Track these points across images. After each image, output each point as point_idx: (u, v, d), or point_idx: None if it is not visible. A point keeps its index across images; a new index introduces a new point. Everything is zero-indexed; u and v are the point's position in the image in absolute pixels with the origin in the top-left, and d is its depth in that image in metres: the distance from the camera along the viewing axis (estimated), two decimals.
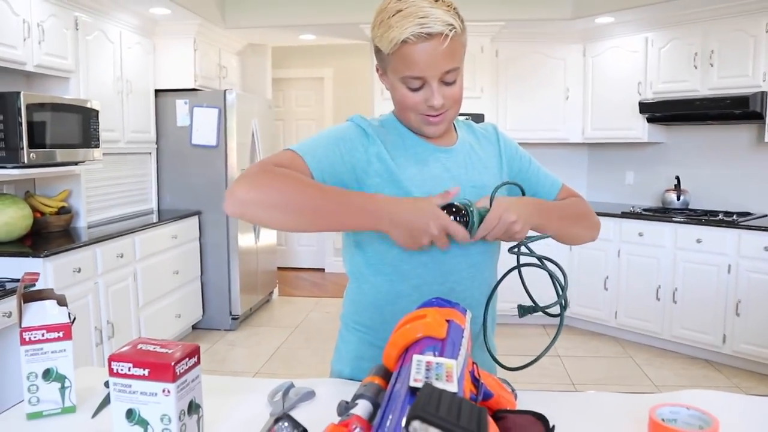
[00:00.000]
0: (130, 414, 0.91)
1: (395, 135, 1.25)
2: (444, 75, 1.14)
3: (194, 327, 4.86)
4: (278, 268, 6.09)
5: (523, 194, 1.25)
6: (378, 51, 1.19)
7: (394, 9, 1.12)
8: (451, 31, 1.10)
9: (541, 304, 1.27)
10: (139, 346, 0.94)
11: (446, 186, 1.20)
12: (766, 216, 4.27)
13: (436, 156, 1.25)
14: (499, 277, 1.33)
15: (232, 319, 4.90)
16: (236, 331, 4.89)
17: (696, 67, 4.34)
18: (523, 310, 1.27)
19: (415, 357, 0.75)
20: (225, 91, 4.71)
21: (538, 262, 1.22)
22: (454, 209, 1.10)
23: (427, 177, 1.22)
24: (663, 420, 0.98)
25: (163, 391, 0.89)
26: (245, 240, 4.98)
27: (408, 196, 1.17)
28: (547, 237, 1.24)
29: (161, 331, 4.17)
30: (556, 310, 1.25)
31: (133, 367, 0.89)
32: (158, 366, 0.89)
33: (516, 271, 1.27)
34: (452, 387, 0.68)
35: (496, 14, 4.77)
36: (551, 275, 1.22)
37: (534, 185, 1.36)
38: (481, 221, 1.11)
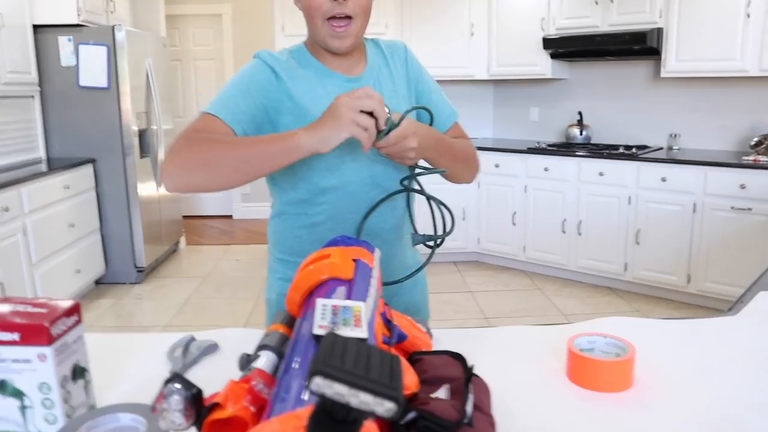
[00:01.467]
0: (2, 385, 0.80)
1: (305, 68, 1.25)
2: None
3: (97, 282, 4.61)
4: (184, 216, 5.85)
5: (431, 121, 1.24)
6: None
7: None
8: None
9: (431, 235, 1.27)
10: (6, 307, 0.82)
11: None
12: (662, 149, 4.46)
13: (345, 87, 1.24)
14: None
15: (138, 271, 4.68)
16: (143, 283, 4.68)
17: (597, 3, 4.39)
18: (416, 240, 1.30)
19: (320, 301, 0.68)
20: (113, 27, 4.34)
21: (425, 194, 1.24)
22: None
23: None
24: (581, 350, 0.98)
25: (39, 356, 0.78)
26: (146, 188, 4.72)
27: None
28: (444, 171, 1.26)
29: (60, 288, 3.92)
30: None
31: (1, 331, 0.78)
32: (30, 328, 0.78)
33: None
34: (361, 332, 0.62)
35: None
36: (435, 207, 1.25)
37: (433, 107, 1.33)
38: (393, 125, 1.08)
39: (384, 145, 1.09)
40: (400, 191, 1.27)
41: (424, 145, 1.16)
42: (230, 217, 6.91)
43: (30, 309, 0.81)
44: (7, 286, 3.34)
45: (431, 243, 1.24)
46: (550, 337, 1.12)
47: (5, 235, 3.37)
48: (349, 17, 1.18)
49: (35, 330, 0.78)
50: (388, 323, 0.85)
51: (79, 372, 0.85)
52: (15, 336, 0.78)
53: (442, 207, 1.22)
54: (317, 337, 0.60)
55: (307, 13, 1.20)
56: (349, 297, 0.73)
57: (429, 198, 1.23)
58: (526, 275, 4.70)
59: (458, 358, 0.87)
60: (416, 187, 1.26)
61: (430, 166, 1.26)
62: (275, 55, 1.25)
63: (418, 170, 1.23)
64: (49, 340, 0.78)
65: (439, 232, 1.24)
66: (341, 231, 1.26)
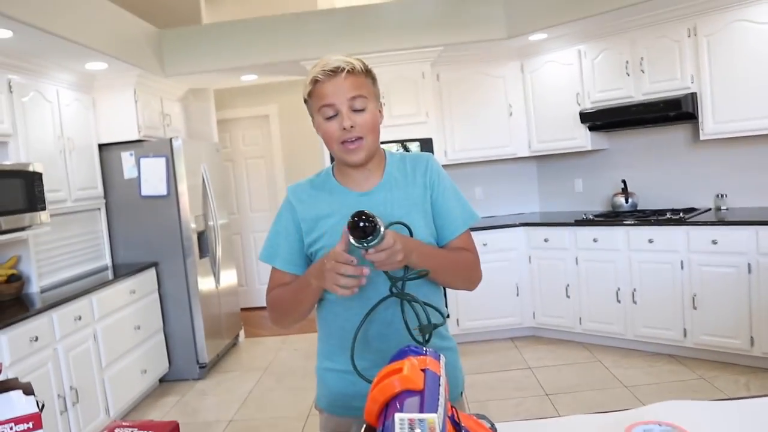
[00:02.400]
0: None
1: (324, 191, 1.50)
2: (351, 101, 1.38)
3: (161, 380, 4.74)
4: (242, 309, 6.00)
5: (411, 235, 1.36)
6: (306, 102, 1.46)
7: (312, 66, 1.41)
8: (347, 65, 1.37)
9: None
10: (116, 431, 0.92)
11: None
12: (709, 210, 4.44)
13: (358, 201, 1.44)
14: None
15: (200, 367, 4.81)
16: (205, 379, 4.79)
17: (628, 75, 4.51)
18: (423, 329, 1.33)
19: (397, 416, 0.76)
20: (171, 138, 4.67)
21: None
22: (363, 216, 1.16)
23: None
24: None
25: None
26: (205, 284, 4.91)
27: (334, 242, 1.33)
28: (426, 272, 1.34)
29: (128, 389, 4.06)
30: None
31: None
32: None
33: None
34: None
35: (434, 40, 4.88)
36: (421, 310, 1.32)
37: (438, 217, 1.49)
38: (381, 237, 1.18)
39: (373, 254, 1.21)
40: (385, 298, 1.35)
41: (405, 249, 1.26)
42: None
43: (136, 431, 0.92)
44: (79, 391, 3.49)
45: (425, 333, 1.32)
46: (611, 425, 1.15)
47: (78, 342, 3.56)
48: (359, 138, 1.40)
49: None
50: (456, 426, 0.92)
51: None
52: None
53: (427, 307, 1.31)
54: None
55: (325, 140, 1.44)
56: (421, 407, 0.80)
57: (411, 301, 1.33)
58: (584, 347, 4.63)
59: None
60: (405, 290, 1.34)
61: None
62: (298, 186, 1.53)
63: (402, 277, 1.31)
64: None
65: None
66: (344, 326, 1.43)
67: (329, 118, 1.39)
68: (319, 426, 1.55)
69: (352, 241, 1.18)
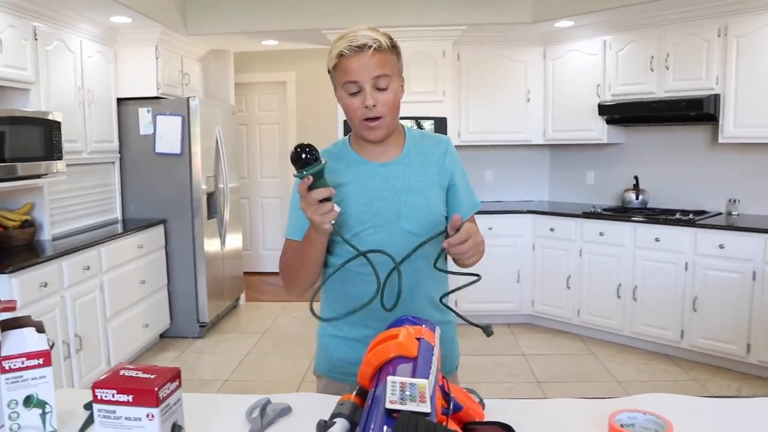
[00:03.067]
0: None
1: (341, 162, 1.50)
2: (375, 80, 1.38)
3: (162, 336, 4.83)
4: (244, 273, 6.07)
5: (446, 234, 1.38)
6: (330, 73, 1.47)
7: (338, 36, 1.41)
8: (374, 42, 1.37)
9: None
10: (121, 372, 0.96)
11: (383, 194, 1.46)
12: (720, 214, 4.43)
13: (376, 171, 1.49)
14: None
15: (200, 326, 4.89)
16: (204, 338, 4.88)
17: (652, 70, 4.48)
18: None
19: (389, 379, 0.80)
20: (188, 98, 4.69)
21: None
22: (306, 148, 1.24)
23: (366, 189, 1.47)
24: (622, 426, 1.05)
25: (148, 415, 0.92)
26: (211, 246, 4.97)
27: (351, 210, 1.43)
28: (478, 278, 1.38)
29: (129, 341, 4.14)
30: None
31: (117, 393, 0.92)
32: (142, 391, 0.92)
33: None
34: (425, 407, 0.73)
35: (458, 19, 4.85)
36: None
37: (453, 201, 1.55)
38: (319, 172, 1.25)
39: (455, 242, 1.27)
40: (420, 244, 1.39)
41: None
42: None
43: (141, 375, 0.96)
44: (83, 339, 3.57)
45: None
46: (598, 411, 1.19)
47: (86, 291, 3.63)
48: (380, 116, 1.42)
49: (146, 393, 0.92)
50: (446, 395, 0.96)
51: (177, 429, 0.99)
52: (129, 398, 0.92)
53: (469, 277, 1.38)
54: (389, 411, 0.72)
55: (347, 114, 1.46)
56: (413, 373, 0.84)
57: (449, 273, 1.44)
58: (580, 339, 4.67)
59: (508, 429, 0.96)
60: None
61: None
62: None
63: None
64: (157, 402, 0.92)
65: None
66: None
67: (352, 94, 1.41)
68: (316, 390, 1.60)
69: (295, 172, 1.25)
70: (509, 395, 3.67)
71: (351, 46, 1.37)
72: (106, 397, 0.92)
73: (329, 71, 1.47)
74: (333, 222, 1.29)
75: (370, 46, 1.36)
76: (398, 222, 1.45)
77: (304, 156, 1.23)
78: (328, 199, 1.26)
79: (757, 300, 3.78)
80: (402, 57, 1.48)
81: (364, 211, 1.45)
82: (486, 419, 1.06)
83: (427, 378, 0.83)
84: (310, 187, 1.25)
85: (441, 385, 0.96)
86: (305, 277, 1.47)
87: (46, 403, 1.09)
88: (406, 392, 0.76)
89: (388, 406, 0.72)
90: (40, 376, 1.09)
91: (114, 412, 0.92)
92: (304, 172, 1.23)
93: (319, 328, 1.61)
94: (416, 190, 1.47)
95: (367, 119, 1.42)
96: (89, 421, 1.13)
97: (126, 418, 0.92)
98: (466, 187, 1.58)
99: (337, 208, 1.28)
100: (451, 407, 0.97)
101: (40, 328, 1.11)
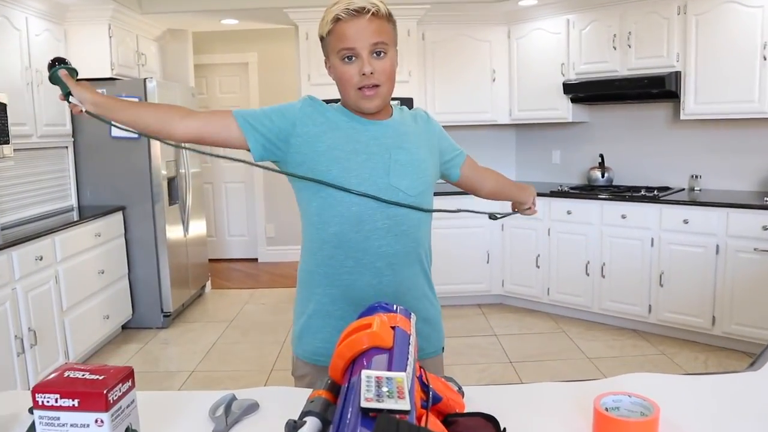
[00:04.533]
0: None
1: (336, 117, 1.41)
2: (372, 47, 1.31)
3: (124, 327, 4.68)
4: (209, 260, 5.93)
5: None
6: (322, 40, 1.38)
7: (333, 2, 1.33)
8: (373, 7, 1.30)
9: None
10: (66, 374, 0.87)
11: (371, 148, 1.38)
12: (683, 190, 4.47)
13: (366, 127, 1.41)
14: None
15: (164, 316, 4.75)
16: (169, 328, 4.74)
17: (615, 48, 4.46)
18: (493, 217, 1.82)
19: (364, 372, 0.73)
20: (145, 79, 4.51)
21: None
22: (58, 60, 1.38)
23: (352, 140, 1.38)
24: (607, 409, 1.00)
25: (96, 421, 0.83)
26: (174, 232, 4.82)
27: (336, 147, 1.37)
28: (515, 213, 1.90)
29: (89, 334, 3.99)
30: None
31: (61, 397, 0.83)
32: (89, 395, 0.83)
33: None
34: (405, 405, 0.66)
35: None
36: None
37: (446, 154, 1.59)
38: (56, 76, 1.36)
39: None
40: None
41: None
42: (255, 260, 6.98)
43: (88, 376, 0.87)
44: (38, 333, 3.41)
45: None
46: (578, 394, 1.14)
47: (39, 282, 3.47)
48: (377, 85, 1.35)
49: (94, 397, 0.83)
50: (424, 386, 0.89)
51: None
52: (74, 402, 0.83)
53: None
54: (365, 410, 0.65)
55: (340, 84, 1.38)
56: (390, 366, 0.77)
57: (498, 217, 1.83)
58: (551, 318, 4.68)
59: (491, 419, 0.90)
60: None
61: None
62: (315, 101, 1.44)
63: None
64: (107, 406, 0.83)
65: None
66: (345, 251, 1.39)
67: (347, 62, 1.33)
68: (294, 372, 1.52)
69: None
70: (482, 376, 3.65)
71: (348, 10, 1.29)
72: (48, 402, 0.83)
73: (321, 38, 1.38)
74: (82, 109, 1.34)
75: (368, 10, 1.29)
76: (387, 177, 1.37)
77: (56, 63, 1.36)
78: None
79: (721, 273, 3.82)
80: (397, 29, 1.42)
81: (347, 158, 1.36)
82: (467, 409, 1.00)
83: (405, 371, 0.76)
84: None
85: (419, 375, 0.89)
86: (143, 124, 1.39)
87: None
88: (383, 388, 0.69)
89: (364, 404, 0.65)
90: None
91: (58, 418, 0.83)
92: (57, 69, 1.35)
93: (304, 312, 1.47)
94: (408, 150, 1.43)
95: (363, 87, 1.34)
96: (33, 427, 1.03)
97: (72, 425, 0.84)
98: (449, 142, 1.62)
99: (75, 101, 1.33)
100: (430, 399, 0.90)
101: None
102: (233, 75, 6.78)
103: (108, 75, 4.50)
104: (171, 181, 4.79)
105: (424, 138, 1.50)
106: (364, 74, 1.31)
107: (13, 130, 3.60)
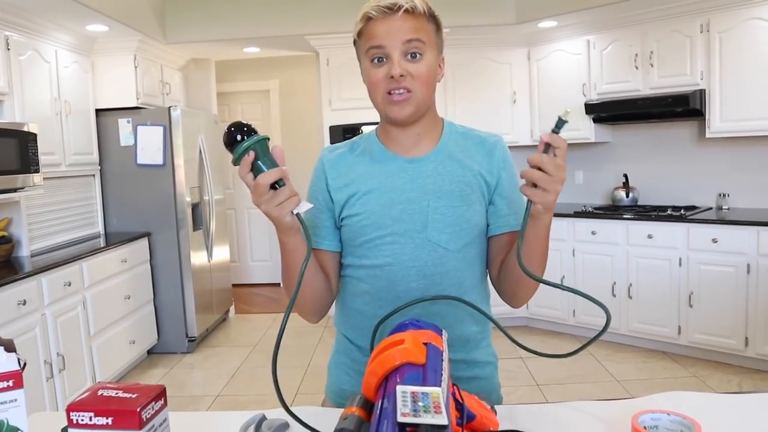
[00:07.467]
0: None
1: (364, 156, 1.31)
2: (405, 46, 1.17)
3: (149, 352, 4.70)
4: (233, 285, 5.96)
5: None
6: (354, 44, 1.26)
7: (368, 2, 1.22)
8: (406, 2, 1.16)
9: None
10: (99, 392, 0.87)
11: (407, 195, 1.24)
12: (711, 209, 4.40)
13: (402, 167, 1.27)
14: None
15: (189, 341, 4.76)
16: (194, 353, 4.76)
17: (637, 68, 4.45)
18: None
19: (399, 388, 0.72)
20: (169, 107, 4.59)
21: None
22: (242, 127, 1.06)
23: (388, 188, 1.25)
24: (645, 428, 0.98)
25: None
26: (198, 258, 4.85)
27: (367, 211, 1.25)
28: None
29: (115, 358, 4.02)
30: None
31: (95, 416, 0.83)
32: (123, 413, 0.83)
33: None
34: (442, 419, 0.65)
35: (442, 21, 4.78)
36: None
37: (495, 209, 1.30)
38: (261, 148, 1.04)
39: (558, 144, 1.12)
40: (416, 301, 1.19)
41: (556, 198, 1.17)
42: (278, 285, 7.00)
43: (121, 394, 0.87)
44: (66, 358, 3.44)
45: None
46: (614, 412, 1.12)
47: (67, 308, 3.51)
48: (408, 89, 1.19)
49: (128, 415, 0.83)
50: (458, 404, 0.88)
51: None
52: (108, 420, 0.83)
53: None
54: (402, 425, 0.64)
55: (369, 89, 1.24)
56: (424, 381, 0.76)
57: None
58: (577, 340, 4.61)
59: None
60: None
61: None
62: (332, 151, 1.34)
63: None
64: (140, 424, 0.83)
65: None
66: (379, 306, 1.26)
67: (377, 64, 1.19)
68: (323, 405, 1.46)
69: (234, 158, 1.05)
70: (509, 399, 3.58)
71: (379, 7, 1.17)
72: (82, 420, 0.83)
73: (354, 41, 1.26)
74: (296, 212, 1.05)
75: (401, 7, 1.16)
76: (424, 231, 1.23)
77: (238, 137, 1.02)
78: (280, 184, 1.03)
79: (753, 293, 3.74)
80: (442, 33, 1.27)
81: (382, 214, 1.23)
82: (500, 427, 0.98)
83: (439, 386, 0.75)
84: (255, 171, 1.03)
85: (452, 392, 0.88)
86: (300, 294, 1.22)
87: (18, 429, 1.00)
88: (419, 403, 0.68)
89: (401, 419, 0.64)
90: (11, 400, 0.99)
91: None
92: (241, 148, 1.02)
93: (332, 355, 1.45)
94: (450, 193, 1.24)
95: (392, 92, 1.19)
96: None
97: None
98: (514, 200, 1.31)
99: (296, 194, 1.05)
100: (465, 417, 0.89)
101: (9, 347, 1.02)
102: (255, 102, 6.87)
103: (134, 104, 4.60)
104: (195, 208, 4.84)
105: (474, 175, 1.28)
106: (392, 77, 1.17)
107: (42, 159, 3.67)
